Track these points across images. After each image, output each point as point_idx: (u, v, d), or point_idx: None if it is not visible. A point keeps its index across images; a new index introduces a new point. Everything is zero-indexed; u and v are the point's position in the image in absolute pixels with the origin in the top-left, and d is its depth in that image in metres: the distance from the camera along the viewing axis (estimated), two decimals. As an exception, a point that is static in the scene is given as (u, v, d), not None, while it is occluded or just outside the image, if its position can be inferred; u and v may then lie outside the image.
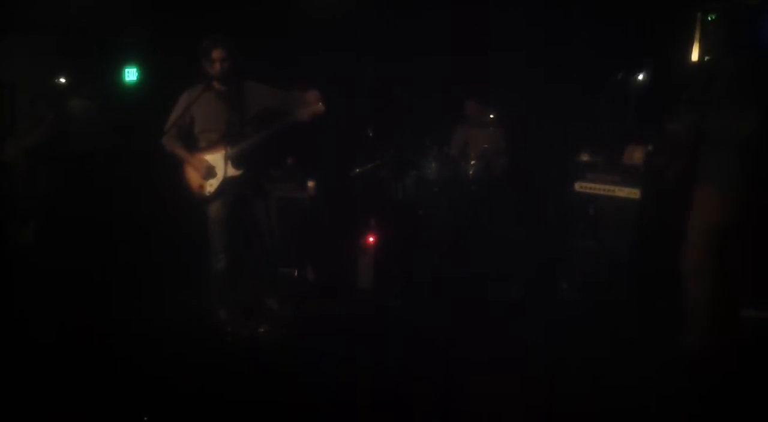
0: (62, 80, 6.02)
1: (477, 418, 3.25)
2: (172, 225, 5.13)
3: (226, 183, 4.09)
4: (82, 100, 5.95)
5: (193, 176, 4.15)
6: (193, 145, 4.18)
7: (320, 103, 4.08)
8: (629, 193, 4.57)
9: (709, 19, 3.64)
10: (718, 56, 3.59)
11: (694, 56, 3.95)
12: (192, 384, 3.28)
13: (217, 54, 4.00)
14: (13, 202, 5.27)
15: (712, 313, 3.58)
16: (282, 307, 4.45)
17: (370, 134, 5.60)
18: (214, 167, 4.10)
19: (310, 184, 5.48)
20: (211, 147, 4.12)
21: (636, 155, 4.58)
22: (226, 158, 4.07)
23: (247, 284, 4.44)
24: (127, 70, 6.05)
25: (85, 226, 5.19)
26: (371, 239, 5.23)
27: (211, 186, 4.11)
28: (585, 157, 5.00)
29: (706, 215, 3.54)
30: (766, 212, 3.68)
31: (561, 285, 4.80)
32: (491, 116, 6.06)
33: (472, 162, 5.64)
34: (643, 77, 4.98)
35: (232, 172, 4.09)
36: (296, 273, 5.23)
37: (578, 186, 4.87)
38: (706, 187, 3.55)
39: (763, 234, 4.03)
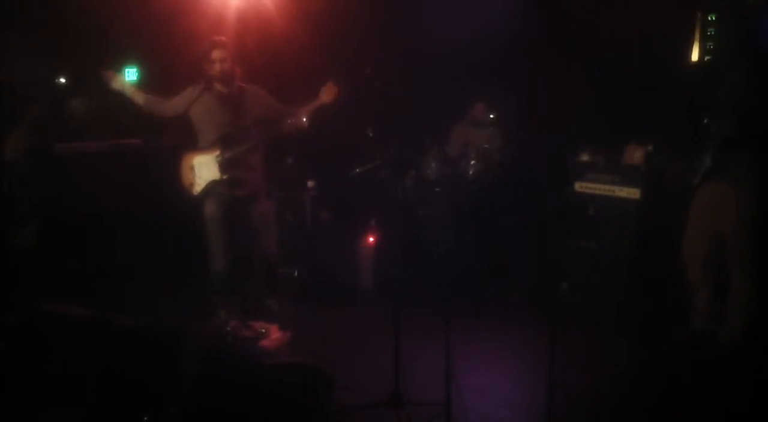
0: (62, 80, 6.02)
1: (476, 418, 3.25)
2: (172, 224, 5.12)
3: (217, 183, 4.09)
4: (82, 100, 5.94)
5: (183, 175, 4.17)
6: (190, 144, 4.20)
7: (304, 119, 4.15)
8: (629, 192, 4.57)
9: (710, 19, 3.62)
10: (724, 56, 3.57)
11: (694, 56, 3.92)
12: (192, 384, 3.27)
13: (216, 55, 4.01)
14: (13, 202, 5.27)
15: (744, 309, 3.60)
16: (282, 307, 4.45)
17: (370, 134, 5.59)
18: (194, 166, 4.11)
19: (310, 184, 5.48)
20: (205, 147, 4.13)
21: (636, 155, 4.59)
22: (218, 159, 4.07)
23: (247, 284, 4.44)
24: (127, 70, 6.05)
25: (85, 226, 5.19)
26: (371, 239, 5.23)
27: (199, 185, 4.11)
28: (585, 157, 4.99)
29: (732, 214, 3.54)
30: None
31: (561, 285, 4.80)
32: (491, 116, 6.05)
33: (472, 162, 5.64)
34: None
35: (224, 173, 4.08)
36: (296, 273, 5.23)
37: (578, 186, 4.87)
38: (727, 187, 3.55)
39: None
